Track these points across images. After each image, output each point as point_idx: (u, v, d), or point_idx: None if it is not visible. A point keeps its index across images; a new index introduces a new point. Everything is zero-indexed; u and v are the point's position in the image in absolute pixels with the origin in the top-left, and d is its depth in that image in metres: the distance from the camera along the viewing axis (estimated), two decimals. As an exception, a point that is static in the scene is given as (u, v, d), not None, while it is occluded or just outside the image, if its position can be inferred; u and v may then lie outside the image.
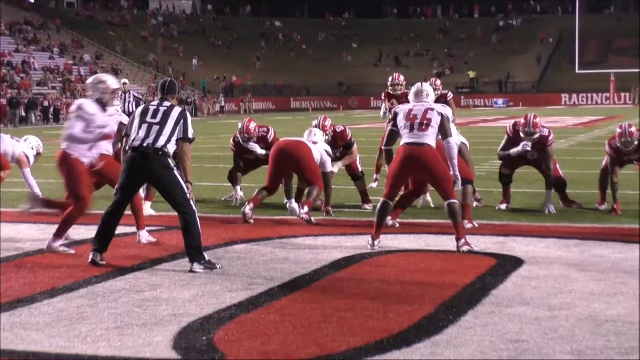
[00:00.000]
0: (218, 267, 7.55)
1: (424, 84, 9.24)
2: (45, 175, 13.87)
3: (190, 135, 7.94)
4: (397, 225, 9.76)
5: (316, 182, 10.45)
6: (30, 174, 11.62)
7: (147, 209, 10.58)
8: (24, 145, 11.82)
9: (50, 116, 49.51)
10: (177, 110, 7.97)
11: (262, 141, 11.88)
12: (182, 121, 7.89)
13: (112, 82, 8.65)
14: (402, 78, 13.80)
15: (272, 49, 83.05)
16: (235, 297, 6.50)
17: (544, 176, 11.02)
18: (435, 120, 8.54)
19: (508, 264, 7.63)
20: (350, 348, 5.14)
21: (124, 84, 25.97)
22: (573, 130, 31.70)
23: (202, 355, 5.08)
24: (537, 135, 10.80)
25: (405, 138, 8.58)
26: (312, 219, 10.20)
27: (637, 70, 65.65)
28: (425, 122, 8.52)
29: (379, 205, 8.68)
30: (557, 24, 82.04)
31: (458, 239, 8.37)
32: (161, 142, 7.77)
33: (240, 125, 11.87)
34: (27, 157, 11.71)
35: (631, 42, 73.08)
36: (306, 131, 11.11)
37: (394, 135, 8.87)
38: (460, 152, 9.95)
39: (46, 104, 49.75)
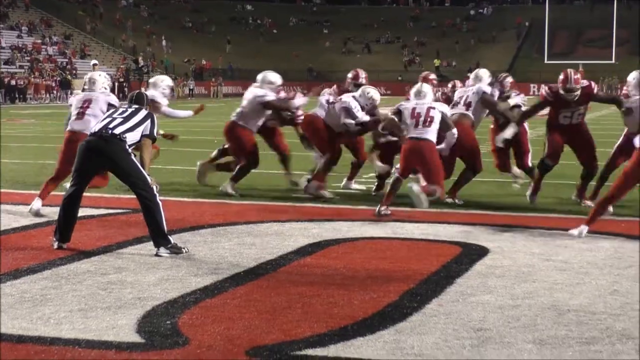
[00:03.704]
0: (184, 251, 7.52)
1: (423, 84, 10.44)
2: (11, 156, 13.75)
3: (155, 134, 7.94)
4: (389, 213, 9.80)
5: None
6: None
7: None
8: None
9: (17, 95, 49.00)
10: (144, 112, 7.97)
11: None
12: (148, 121, 7.88)
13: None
14: (363, 75, 13.61)
15: (243, 32, 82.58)
16: (201, 282, 6.49)
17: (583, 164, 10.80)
18: (437, 118, 9.95)
19: (473, 253, 7.67)
20: (314, 334, 5.16)
21: (94, 65, 25.99)
22: (541, 120, 31.78)
23: (165, 339, 5.08)
24: (578, 92, 10.78)
25: (410, 133, 9.90)
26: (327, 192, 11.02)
27: (606, 62, 66.06)
28: (429, 119, 9.90)
29: (393, 178, 10.10)
30: (527, 14, 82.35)
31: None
32: (120, 129, 7.69)
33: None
34: None
35: (600, 33, 73.51)
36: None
37: (394, 120, 10.14)
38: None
39: (13, 82, 49.19)
